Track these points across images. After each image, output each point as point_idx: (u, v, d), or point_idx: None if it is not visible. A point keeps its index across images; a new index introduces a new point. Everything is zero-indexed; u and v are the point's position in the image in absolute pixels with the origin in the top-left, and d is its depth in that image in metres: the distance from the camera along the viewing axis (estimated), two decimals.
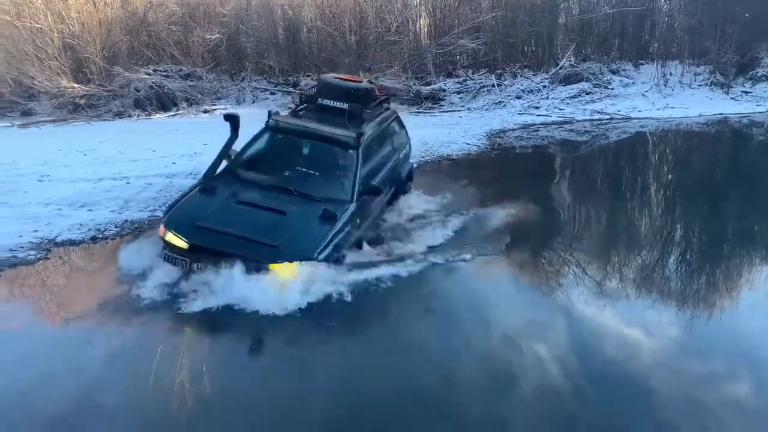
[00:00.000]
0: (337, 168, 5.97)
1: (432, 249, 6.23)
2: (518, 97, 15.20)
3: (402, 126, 7.56)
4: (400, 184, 7.15)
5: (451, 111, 14.49)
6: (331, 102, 6.53)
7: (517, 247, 6.75)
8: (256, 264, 4.88)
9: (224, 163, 6.00)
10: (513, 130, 13.10)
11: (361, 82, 7.10)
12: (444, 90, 15.26)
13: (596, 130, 13.43)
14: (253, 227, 5.04)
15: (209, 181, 5.64)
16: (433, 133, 11.98)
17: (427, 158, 10.53)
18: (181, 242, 5.00)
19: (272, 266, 4.90)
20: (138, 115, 12.60)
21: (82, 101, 12.43)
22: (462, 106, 14.80)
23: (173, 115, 12.81)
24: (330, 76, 7.27)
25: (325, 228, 5.23)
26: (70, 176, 7.88)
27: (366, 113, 6.41)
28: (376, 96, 6.92)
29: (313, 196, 5.53)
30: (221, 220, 5.09)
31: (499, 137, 12.41)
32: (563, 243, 7.32)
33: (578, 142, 12.59)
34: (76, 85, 12.33)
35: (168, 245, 5.09)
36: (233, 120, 5.95)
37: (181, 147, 9.44)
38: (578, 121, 13.98)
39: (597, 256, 6.91)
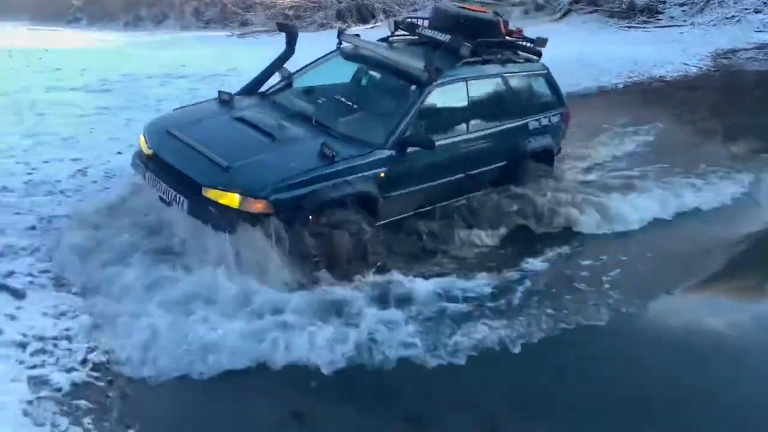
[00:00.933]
0: (390, 106, 4.63)
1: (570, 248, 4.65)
2: (757, 11, 12.86)
3: (553, 91, 5.55)
4: (513, 163, 5.16)
5: (669, 26, 12.78)
6: (432, 32, 5.06)
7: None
8: (196, 188, 3.84)
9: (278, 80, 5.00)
10: (746, 50, 11.24)
11: (484, 12, 5.37)
12: (663, 2, 13.44)
13: None
14: (223, 144, 4.07)
15: (235, 93, 4.78)
16: (645, 51, 10.75)
17: (635, 79, 9.56)
18: (145, 147, 4.28)
19: (209, 193, 3.80)
20: (339, 27, 13.08)
21: (290, 12, 13.21)
22: (684, 21, 12.95)
23: (371, 27, 13.04)
24: (446, 1, 5.69)
25: (307, 163, 3.95)
26: None
27: (466, 47, 4.67)
28: (501, 34, 5.21)
29: (332, 130, 4.31)
30: (199, 131, 4.23)
31: (727, 58, 10.76)
32: None
33: None
34: None
35: (139, 148, 4.40)
36: (289, 32, 4.95)
37: None
38: None
39: None
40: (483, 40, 4.94)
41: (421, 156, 4.36)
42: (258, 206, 3.76)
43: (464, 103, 4.81)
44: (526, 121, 5.25)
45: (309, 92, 4.92)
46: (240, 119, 4.36)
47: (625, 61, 9.93)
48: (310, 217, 3.89)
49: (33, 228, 4.30)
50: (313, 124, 4.37)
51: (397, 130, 4.30)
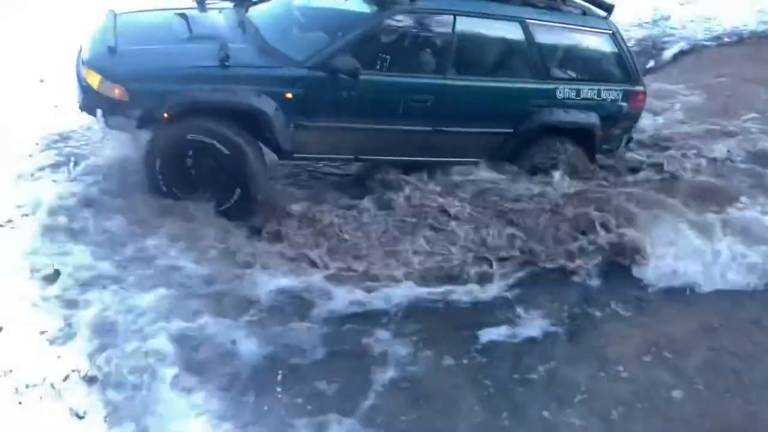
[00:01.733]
0: (343, 28, 4.08)
1: None
2: None
3: (617, 59, 4.53)
4: (521, 134, 4.34)
5: None
6: None
7: None
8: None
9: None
10: None
11: None
12: None
13: None
14: (137, 32, 3.93)
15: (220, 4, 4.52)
16: None
17: None
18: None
19: (83, 71, 3.69)
20: None
21: None
22: None
23: None
24: None
25: (194, 61, 3.67)
26: None
27: None
28: None
29: (262, 40, 3.91)
30: (132, 18, 4.15)
31: None
32: None
33: None
34: None
35: None
36: None
37: None
38: None
39: None
40: None
41: (359, 87, 3.80)
42: (115, 92, 3.52)
43: (447, 41, 4.10)
44: (554, 86, 4.33)
45: (286, 8, 4.53)
46: (180, 14, 4.14)
47: None
48: (165, 115, 3.53)
49: None
50: (250, 33, 4.01)
51: (325, 51, 3.80)
